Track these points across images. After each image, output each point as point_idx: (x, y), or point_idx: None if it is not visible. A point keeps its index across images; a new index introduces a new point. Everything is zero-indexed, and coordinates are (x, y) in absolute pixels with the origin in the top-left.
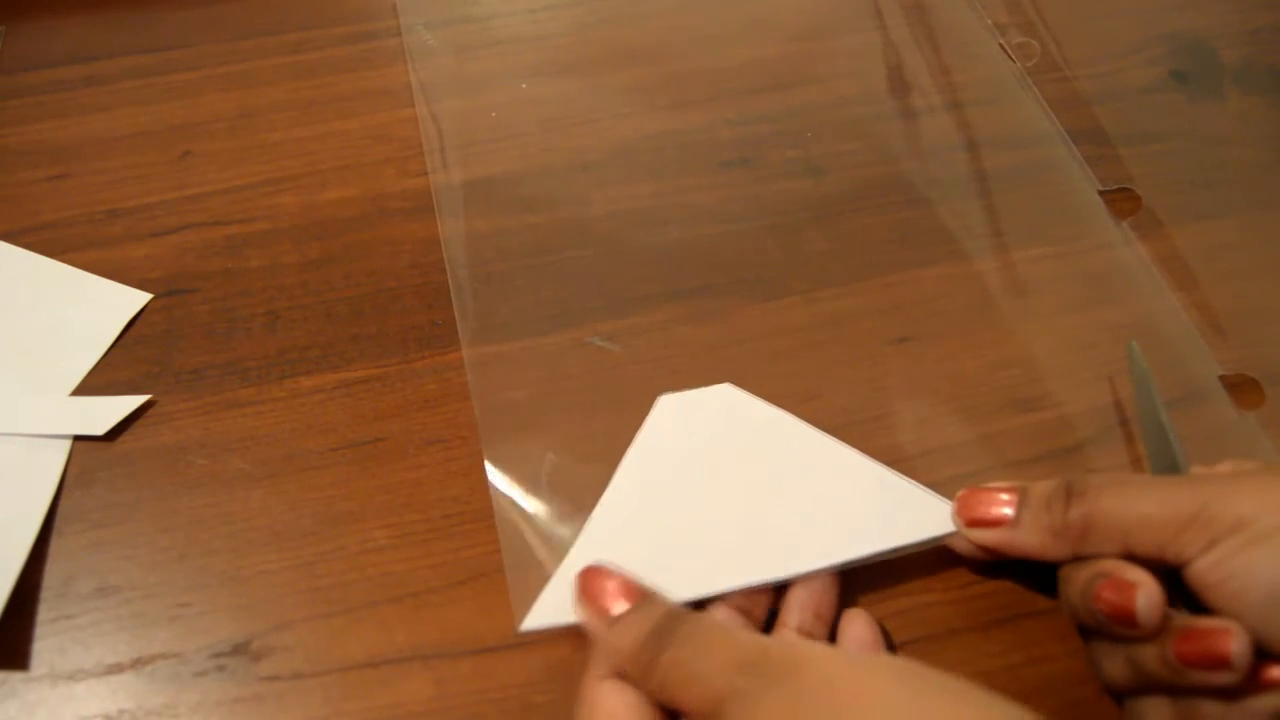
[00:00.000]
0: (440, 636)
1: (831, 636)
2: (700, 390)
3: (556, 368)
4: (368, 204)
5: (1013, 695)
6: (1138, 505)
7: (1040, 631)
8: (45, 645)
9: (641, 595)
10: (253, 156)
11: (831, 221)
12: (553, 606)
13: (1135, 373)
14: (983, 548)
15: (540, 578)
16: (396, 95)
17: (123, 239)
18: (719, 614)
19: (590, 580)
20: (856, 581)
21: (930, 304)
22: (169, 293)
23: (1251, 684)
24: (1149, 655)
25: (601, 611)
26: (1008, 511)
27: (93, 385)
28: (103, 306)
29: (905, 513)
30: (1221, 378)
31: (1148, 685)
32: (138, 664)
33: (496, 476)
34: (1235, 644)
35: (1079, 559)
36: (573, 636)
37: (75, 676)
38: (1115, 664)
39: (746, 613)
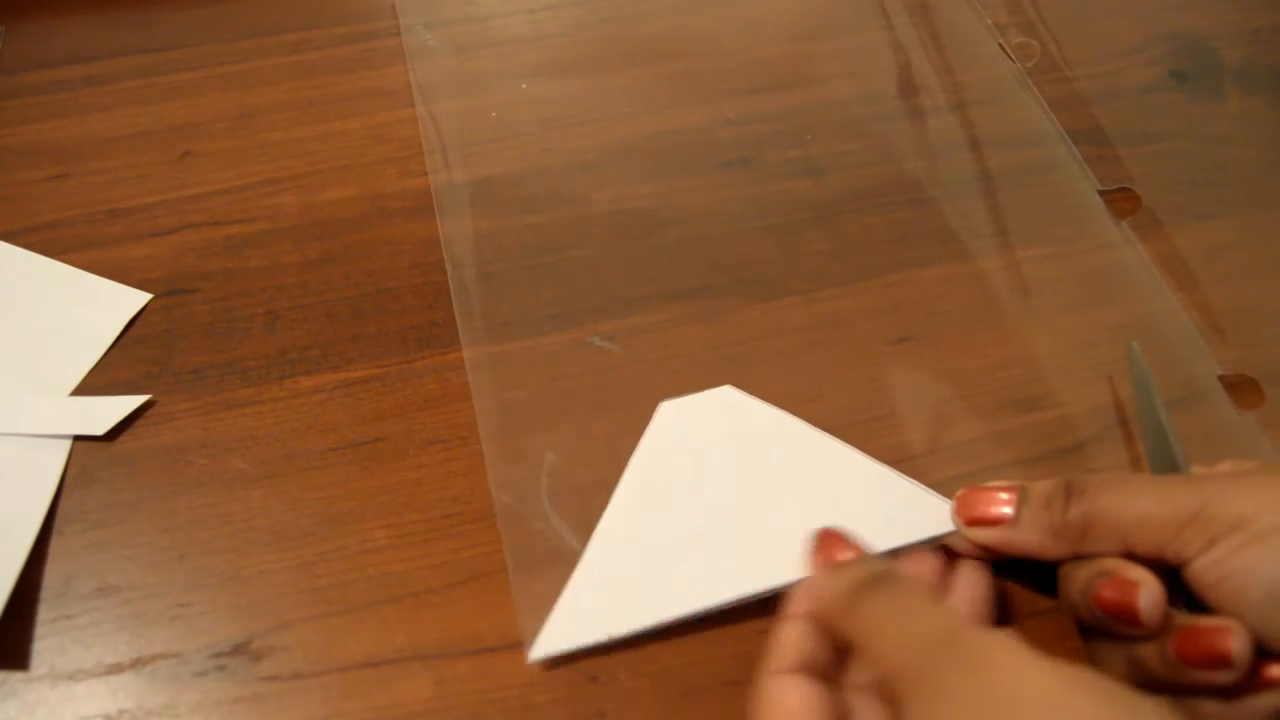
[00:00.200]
0: (440, 636)
1: None
2: (700, 394)
3: (556, 368)
4: (368, 204)
5: None
6: (1137, 504)
7: (1040, 631)
8: (45, 645)
9: (865, 554)
10: (253, 156)
11: (831, 221)
12: (561, 633)
13: (1135, 373)
14: (982, 547)
15: (545, 585)
16: (396, 95)
17: (123, 239)
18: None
19: (826, 540)
20: None
21: (930, 304)
22: (169, 293)
23: (1251, 682)
24: (1149, 654)
25: (829, 559)
26: (1007, 511)
27: (93, 385)
28: (103, 306)
29: (906, 513)
30: (1221, 378)
31: (1147, 684)
32: (138, 664)
33: (497, 477)
34: (1235, 642)
35: (1079, 558)
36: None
37: (75, 676)
38: (1115, 663)
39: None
